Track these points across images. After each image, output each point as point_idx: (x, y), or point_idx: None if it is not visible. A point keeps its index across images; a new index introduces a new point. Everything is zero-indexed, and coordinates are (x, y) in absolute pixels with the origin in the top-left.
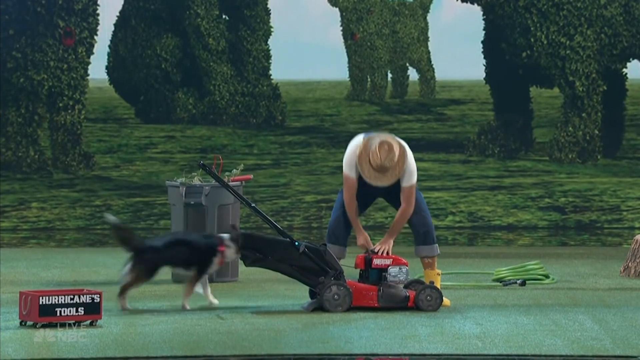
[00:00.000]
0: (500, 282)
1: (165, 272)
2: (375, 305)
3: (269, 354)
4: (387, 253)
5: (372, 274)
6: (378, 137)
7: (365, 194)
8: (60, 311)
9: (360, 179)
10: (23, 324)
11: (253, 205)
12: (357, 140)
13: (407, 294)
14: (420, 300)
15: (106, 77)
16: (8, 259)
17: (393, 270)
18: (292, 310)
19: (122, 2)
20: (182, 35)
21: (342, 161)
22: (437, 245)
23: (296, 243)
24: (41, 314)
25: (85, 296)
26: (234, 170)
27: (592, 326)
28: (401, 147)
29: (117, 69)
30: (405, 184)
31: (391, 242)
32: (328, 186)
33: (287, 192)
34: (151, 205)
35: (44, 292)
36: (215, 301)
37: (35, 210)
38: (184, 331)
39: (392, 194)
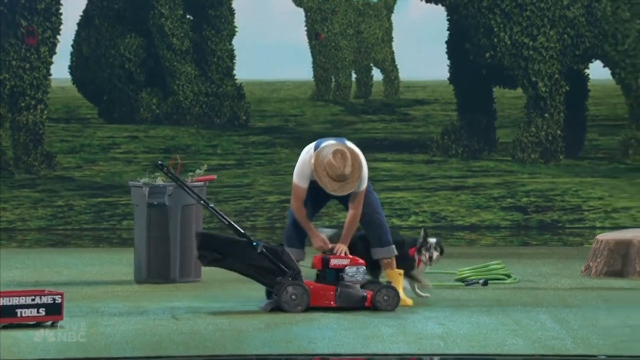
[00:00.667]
0: (463, 282)
1: (126, 273)
2: (333, 305)
3: (231, 354)
4: (345, 254)
5: (330, 274)
6: (330, 147)
7: (317, 197)
8: (21, 312)
9: (311, 184)
10: None
11: (211, 205)
12: (309, 151)
13: (365, 294)
14: (378, 300)
15: (69, 76)
16: None
17: (350, 270)
18: (255, 311)
19: (86, 2)
20: (146, 35)
21: None
22: (393, 246)
23: (254, 243)
24: (1, 314)
25: (46, 297)
26: (198, 170)
27: (553, 326)
28: (352, 152)
29: (80, 68)
30: (357, 189)
31: (346, 245)
32: (291, 186)
33: (251, 192)
34: (114, 205)
35: (4, 293)
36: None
37: None
38: (145, 332)
39: (344, 196)
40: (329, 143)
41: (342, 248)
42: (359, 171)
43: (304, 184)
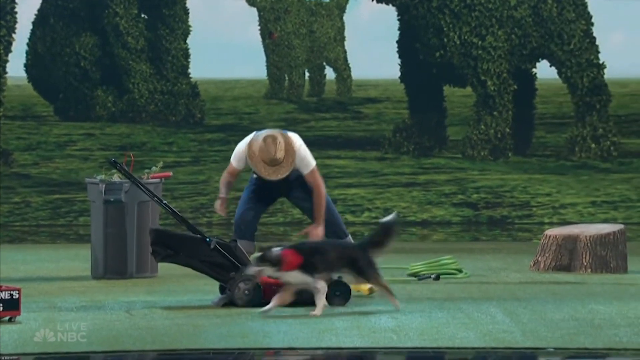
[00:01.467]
0: (415, 276)
1: (83, 269)
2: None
3: (187, 348)
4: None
5: None
6: (262, 134)
7: (265, 193)
8: None
9: (258, 179)
10: None
11: (164, 202)
12: (245, 140)
13: None
14: (329, 295)
15: (25, 74)
16: None
17: None
18: (211, 306)
19: (41, 1)
20: (101, 34)
21: None
22: (350, 237)
23: (207, 239)
24: None
25: (3, 292)
26: (153, 167)
27: (503, 319)
28: (285, 137)
29: (36, 66)
30: (305, 171)
31: (321, 227)
32: (246, 183)
33: (207, 189)
34: (71, 202)
35: None
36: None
37: None
38: (102, 327)
39: (291, 191)
40: (263, 131)
41: (317, 233)
42: (293, 155)
43: (238, 166)
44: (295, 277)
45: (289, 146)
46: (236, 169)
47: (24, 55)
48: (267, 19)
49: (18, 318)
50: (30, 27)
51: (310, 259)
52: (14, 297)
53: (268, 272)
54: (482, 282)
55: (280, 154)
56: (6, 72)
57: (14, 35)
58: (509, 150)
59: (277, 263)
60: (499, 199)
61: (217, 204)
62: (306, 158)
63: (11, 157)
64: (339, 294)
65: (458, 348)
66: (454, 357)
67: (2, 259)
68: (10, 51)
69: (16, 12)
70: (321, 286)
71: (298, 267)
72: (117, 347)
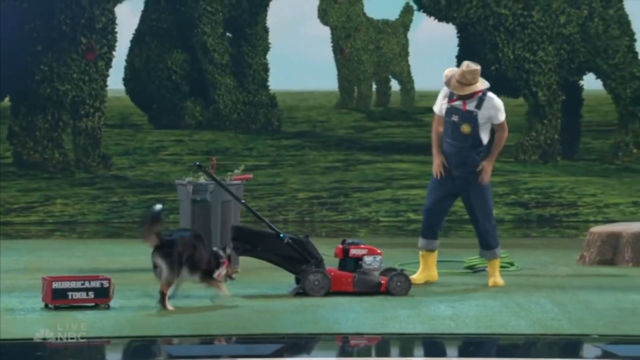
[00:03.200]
0: (471, 269)
1: None
2: (351, 290)
3: (265, 333)
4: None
5: (350, 262)
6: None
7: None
8: (72, 295)
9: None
10: (45, 306)
11: (243, 201)
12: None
13: (380, 280)
14: (391, 286)
15: (123, 87)
16: (35, 249)
17: (368, 259)
18: (286, 295)
19: (138, 21)
20: (190, 51)
21: (331, 162)
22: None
23: (281, 235)
24: (54, 297)
25: (95, 282)
26: (236, 170)
27: (552, 308)
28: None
29: (133, 80)
30: (497, 121)
31: (492, 164)
32: (319, 184)
33: (283, 190)
34: (162, 201)
35: (57, 277)
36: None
37: (59, 205)
38: (190, 313)
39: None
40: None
41: (487, 167)
42: (482, 85)
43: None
44: None
45: (482, 80)
46: (437, 114)
47: (123, 70)
48: (338, 37)
49: (112, 305)
50: (129, 45)
51: None
52: (104, 286)
53: None
54: (532, 274)
55: (471, 76)
56: (107, 85)
57: (114, 52)
58: (558, 155)
59: None
60: (548, 199)
61: (437, 161)
62: (501, 109)
63: (110, 161)
64: (400, 285)
65: (510, 334)
66: (507, 343)
67: (102, 252)
68: (111, 67)
69: (116, 32)
70: None
71: None
72: (203, 331)
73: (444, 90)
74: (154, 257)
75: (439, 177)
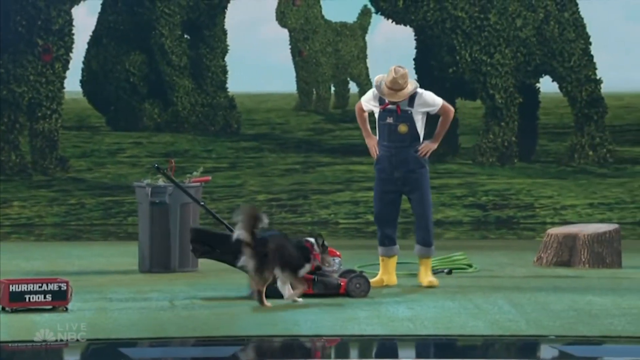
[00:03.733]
0: (446, 271)
1: (131, 264)
2: (311, 292)
3: (224, 335)
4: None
5: None
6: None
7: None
8: (29, 297)
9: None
10: (2, 309)
11: (202, 203)
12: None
13: (339, 282)
14: (351, 288)
15: (80, 89)
16: None
17: None
18: (245, 297)
19: (95, 23)
20: (148, 53)
21: (290, 165)
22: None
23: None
24: (12, 299)
25: (52, 284)
26: (194, 172)
27: (509, 309)
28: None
29: (90, 82)
30: (436, 109)
31: (436, 144)
32: (278, 186)
33: (242, 192)
34: (120, 203)
35: (14, 280)
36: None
37: (16, 208)
38: (148, 316)
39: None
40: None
41: (430, 146)
42: (412, 86)
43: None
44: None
45: (411, 80)
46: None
47: (80, 72)
48: (297, 39)
49: (71, 307)
50: (86, 46)
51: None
52: (62, 288)
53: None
54: (490, 276)
55: (402, 80)
56: (64, 87)
57: (71, 54)
58: (515, 157)
59: None
60: (506, 201)
61: (370, 142)
62: (432, 98)
63: (68, 163)
64: (359, 287)
65: (468, 335)
66: (465, 344)
67: (60, 255)
68: (68, 68)
69: (73, 34)
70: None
71: None
72: (161, 333)
73: (374, 92)
74: (245, 255)
75: (375, 156)
